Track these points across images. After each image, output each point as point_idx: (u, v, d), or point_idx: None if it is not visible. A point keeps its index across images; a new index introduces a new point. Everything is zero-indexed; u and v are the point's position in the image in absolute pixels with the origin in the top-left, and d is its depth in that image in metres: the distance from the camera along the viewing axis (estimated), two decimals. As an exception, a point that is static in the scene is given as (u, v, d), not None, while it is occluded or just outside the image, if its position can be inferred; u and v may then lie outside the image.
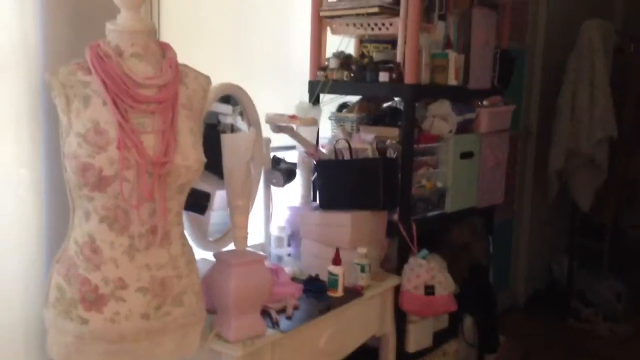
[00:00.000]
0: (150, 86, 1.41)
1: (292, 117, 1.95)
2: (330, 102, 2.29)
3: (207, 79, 1.57)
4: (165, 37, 1.85)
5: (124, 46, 1.41)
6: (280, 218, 2.25)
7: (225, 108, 2.06)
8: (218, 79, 1.78)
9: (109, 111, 1.36)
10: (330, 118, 2.38)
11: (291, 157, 2.28)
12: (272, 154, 2.15)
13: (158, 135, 1.39)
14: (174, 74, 1.44)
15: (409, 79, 2.12)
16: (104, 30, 1.44)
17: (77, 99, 1.37)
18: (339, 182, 2.16)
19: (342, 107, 2.43)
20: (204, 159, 1.48)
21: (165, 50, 1.49)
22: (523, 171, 3.89)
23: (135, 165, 1.36)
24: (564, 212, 4.06)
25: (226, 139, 1.62)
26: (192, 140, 1.46)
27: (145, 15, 1.63)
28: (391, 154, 2.20)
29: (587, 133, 3.51)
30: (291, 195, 2.30)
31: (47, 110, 1.53)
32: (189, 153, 1.44)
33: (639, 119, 4.00)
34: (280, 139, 2.22)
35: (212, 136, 1.75)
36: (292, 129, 2.07)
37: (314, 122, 2.05)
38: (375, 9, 2.13)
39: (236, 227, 1.63)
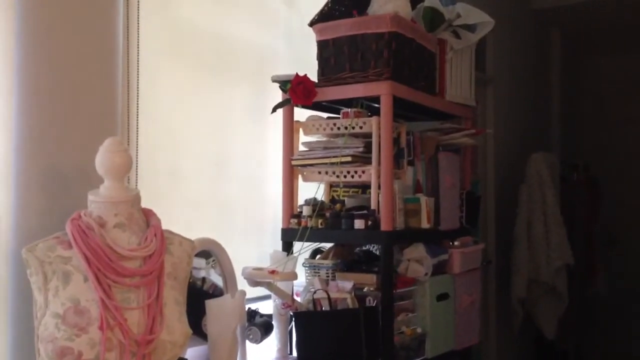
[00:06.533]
0: (134, 258, 1.33)
1: (273, 272, 1.87)
2: (305, 250, 2.24)
3: (192, 243, 1.51)
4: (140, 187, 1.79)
5: (107, 217, 1.35)
6: (257, 376, 2.10)
7: (199, 262, 1.98)
8: (193, 231, 1.71)
9: (90, 288, 1.27)
10: (304, 265, 2.32)
11: (265, 307, 2.18)
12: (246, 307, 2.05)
13: (143, 311, 1.30)
14: (160, 243, 1.38)
15: (385, 225, 2.11)
16: (79, 197, 1.37)
17: (56, 276, 1.27)
18: (318, 334, 2.05)
19: (316, 252, 2.39)
20: (189, 332, 1.40)
21: (148, 217, 1.43)
22: (486, 300, 3.88)
23: (117, 345, 1.26)
24: (529, 341, 4.03)
25: (212, 305, 1.53)
26: (178, 312, 1.38)
27: (128, 183, 1.57)
28: (370, 302, 2.14)
29: (545, 262, 3.59)
30: (266, 349, 2.17)
31: (16, 288, 1.40)
32: (175, 327, 1.35)
33: (589, 244, 4.14)
34: (254, 290, 2.13)
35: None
36: (269, 282, 1.99)
37: (295, 277, 1.98)
38: (348, 158, 2.15)
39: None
